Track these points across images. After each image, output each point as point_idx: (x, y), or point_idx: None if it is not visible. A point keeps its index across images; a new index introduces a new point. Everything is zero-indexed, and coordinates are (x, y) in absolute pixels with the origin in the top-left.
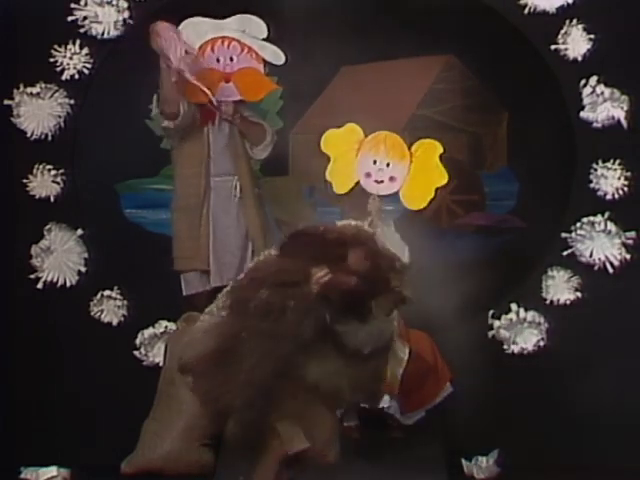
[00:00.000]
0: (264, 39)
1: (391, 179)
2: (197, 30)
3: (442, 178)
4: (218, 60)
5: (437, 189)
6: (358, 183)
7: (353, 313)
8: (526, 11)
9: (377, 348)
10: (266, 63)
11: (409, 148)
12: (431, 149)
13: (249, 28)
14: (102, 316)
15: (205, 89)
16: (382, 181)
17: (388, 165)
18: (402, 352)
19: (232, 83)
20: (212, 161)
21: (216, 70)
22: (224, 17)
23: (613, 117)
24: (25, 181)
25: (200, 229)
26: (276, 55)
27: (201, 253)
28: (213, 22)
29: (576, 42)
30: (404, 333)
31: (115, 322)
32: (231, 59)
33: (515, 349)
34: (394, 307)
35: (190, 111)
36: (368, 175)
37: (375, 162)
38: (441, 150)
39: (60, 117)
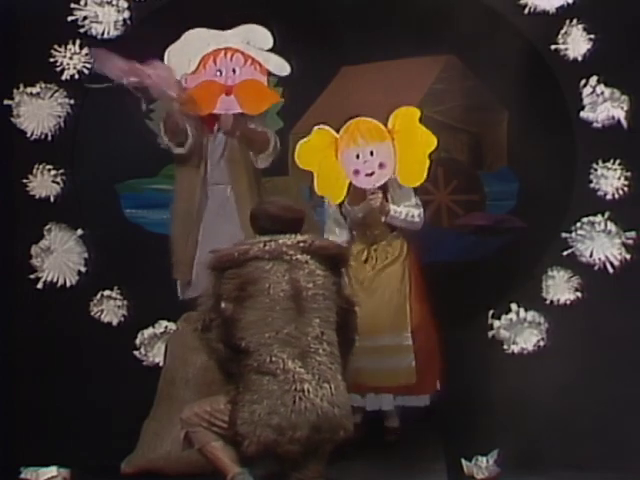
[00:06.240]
0: (270, 49)
1: (380, 166)
2: (199, 41)
3: (431, 141)
4: (220, 72)
5: (431, 154)
6: (351, 184)
7: None
8: (526, 11)
9: None
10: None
11: (385, 125)
12: (408, 117)
13: (254, 39)
14: (102, 316)
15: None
16: (372, 172)
17: (372, 153)
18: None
19: (233, 95)
20: (209, 170)
21: (216, 82)
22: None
23: (613, 117)
24: (25, 181)
25: (189, 240)
26: (281, 67)
27: (184, 264)
28: (216, 33)
29: (576, 42)
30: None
31: (115, 322)
32: (234, 71)
33: (515, 349)
34: None
35: (197, 132)
36: (356, 172)
37: (358, 156)
38: (418, 113)
39: (60, 117)
